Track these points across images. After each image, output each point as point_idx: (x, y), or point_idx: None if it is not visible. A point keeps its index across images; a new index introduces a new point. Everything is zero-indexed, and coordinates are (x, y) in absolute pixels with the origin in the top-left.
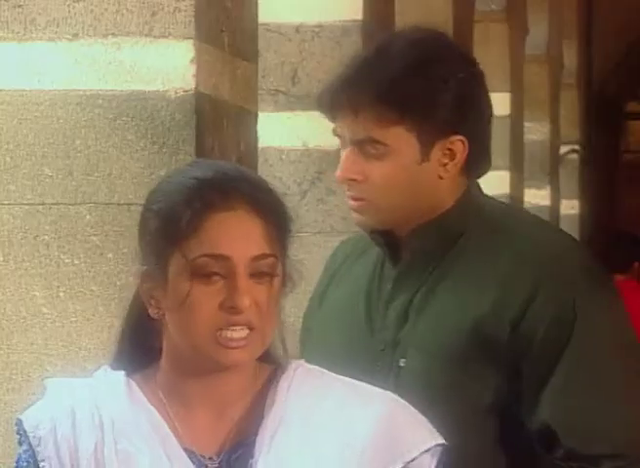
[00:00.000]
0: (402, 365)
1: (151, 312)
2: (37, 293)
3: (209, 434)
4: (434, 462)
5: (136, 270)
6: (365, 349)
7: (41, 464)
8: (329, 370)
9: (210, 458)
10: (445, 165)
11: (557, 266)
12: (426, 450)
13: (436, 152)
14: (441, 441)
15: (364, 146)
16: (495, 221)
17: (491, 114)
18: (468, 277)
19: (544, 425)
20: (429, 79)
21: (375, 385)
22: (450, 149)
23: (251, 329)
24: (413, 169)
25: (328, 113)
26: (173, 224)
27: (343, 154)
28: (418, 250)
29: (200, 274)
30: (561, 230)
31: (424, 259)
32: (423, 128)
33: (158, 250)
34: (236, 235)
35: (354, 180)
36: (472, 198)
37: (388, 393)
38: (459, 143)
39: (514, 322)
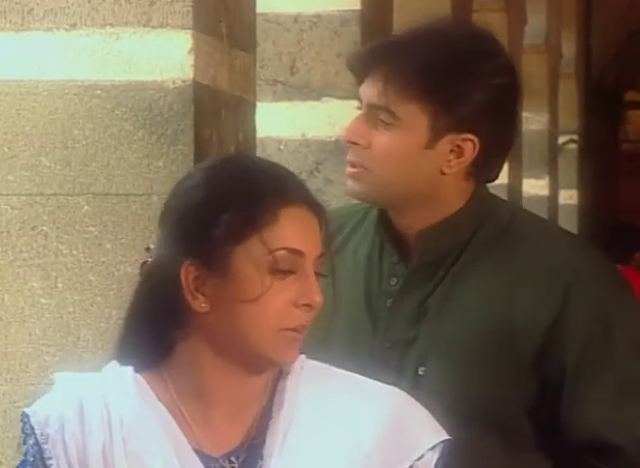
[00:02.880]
0: (421, 373)
1: (196, 305)
2: (35, 284)
3: (222, 435)
4: (435, 456)
5: (168, 261)
6: (369, 345)
7: (48, 462)
8: (328, 360)
9: (221, 460)
10: (449, 161)
11: (583, 266)
12: (432, 448)
13: (444, 144)
14: (444, 437)
15: (377, 113)
16: (508, 223)
17: (516, 127)
18: (488, 279)
19: (597, 433)
20: (467, 73)
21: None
22: (459, 147)
23: None
24: (415, 151)
25: (359, 71)
26: (249, 215)
27: (355, 117)
28: (430, 249)
29: (276, 269)
30: (568, 231)
31: (437, 259)
32: (439, 115)
33: (218, 240)
34: (308, 232)
35: (356, 144)
36: (484, 199)
37: (392, 387)
38: (469, 143)
39: (549, 324)
